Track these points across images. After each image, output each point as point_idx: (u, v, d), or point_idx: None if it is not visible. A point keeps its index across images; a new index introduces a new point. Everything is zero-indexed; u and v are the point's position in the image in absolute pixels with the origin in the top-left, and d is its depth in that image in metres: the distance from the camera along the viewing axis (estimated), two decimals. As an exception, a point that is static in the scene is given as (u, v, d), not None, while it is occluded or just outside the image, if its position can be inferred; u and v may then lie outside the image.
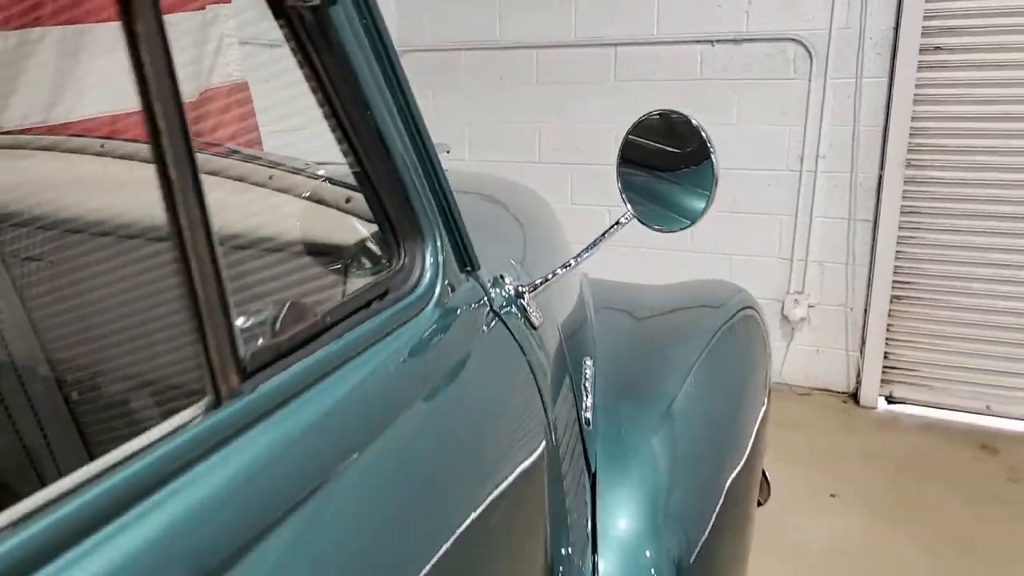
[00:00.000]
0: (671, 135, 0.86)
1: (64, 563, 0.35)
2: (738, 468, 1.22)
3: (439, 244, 0.63)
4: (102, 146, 0.91)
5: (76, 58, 1.66)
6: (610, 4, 3.30)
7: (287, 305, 0.49)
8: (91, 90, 1.70)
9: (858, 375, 3.22)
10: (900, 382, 3.17)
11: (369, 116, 0.57)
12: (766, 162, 3.21)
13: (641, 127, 0.89)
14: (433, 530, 0.58)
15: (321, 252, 0.71)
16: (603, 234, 0.88)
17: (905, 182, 2.99)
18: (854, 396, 3.24)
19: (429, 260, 0.62)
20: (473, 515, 0.63)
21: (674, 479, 1.07)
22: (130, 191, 0.84)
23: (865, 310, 3.16)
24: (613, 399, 1.10)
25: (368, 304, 0.56)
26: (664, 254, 3.31)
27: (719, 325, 1.46)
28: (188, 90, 1.95)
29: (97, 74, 1.69)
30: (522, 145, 3.56)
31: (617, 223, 0.87)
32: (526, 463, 0.70)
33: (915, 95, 2.90)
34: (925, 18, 2.83)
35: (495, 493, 0.66)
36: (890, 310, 3.12)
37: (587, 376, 0.99)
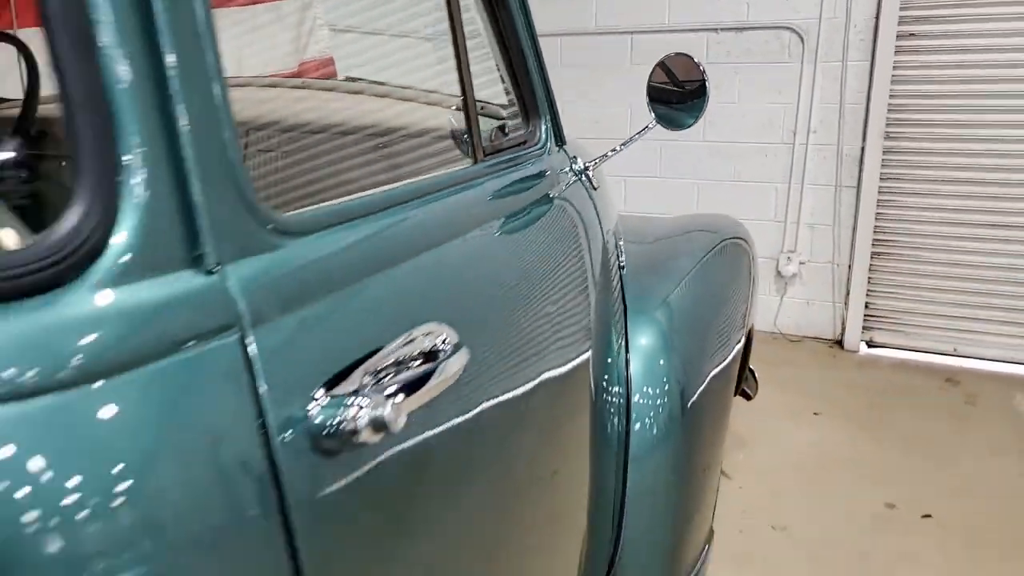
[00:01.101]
0: (682, 70, 1.30)
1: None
2: (725, 341, 1.65)
3: (548, 119, 1.07)
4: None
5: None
6: (627, -4, 3.74)
7: (494, 128, 0.93)
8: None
9: (843, 323, 3.66)
10: (879, 329, 3.61)
11: (519, 42, 1.00)
12: (763, 136, 3.65)
13: (666, 64, 1.33)
14: (543, 308, 1.00)
15: (497, 117, 1.13)
16: (639, 132, 1.32)
17: (884, 152, 3.42)
18: (839, 342, 3.68)
19: (544, 127, 1.06)
20: (571, 302, 1.07)
21: (678, 327, 1.51)
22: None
23: (849, 266, 3.60)
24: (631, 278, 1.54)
25: (524, 142, 0.99)
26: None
27: (709, 249, 1.89)
28: (290, 63, 2.40)
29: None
30: (547, 122, 4.00)
31: (647, 127, 1.31)
32: (597, 268, 1.14)
33: (893, 76, 3.34)
34: (901, 9, 3.26)
35: (583, 283, 1.09)
36: (871, 265, 3.55)
37: (620, 241, 1.42)
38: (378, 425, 0.47)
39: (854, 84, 3.43)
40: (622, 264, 1.37)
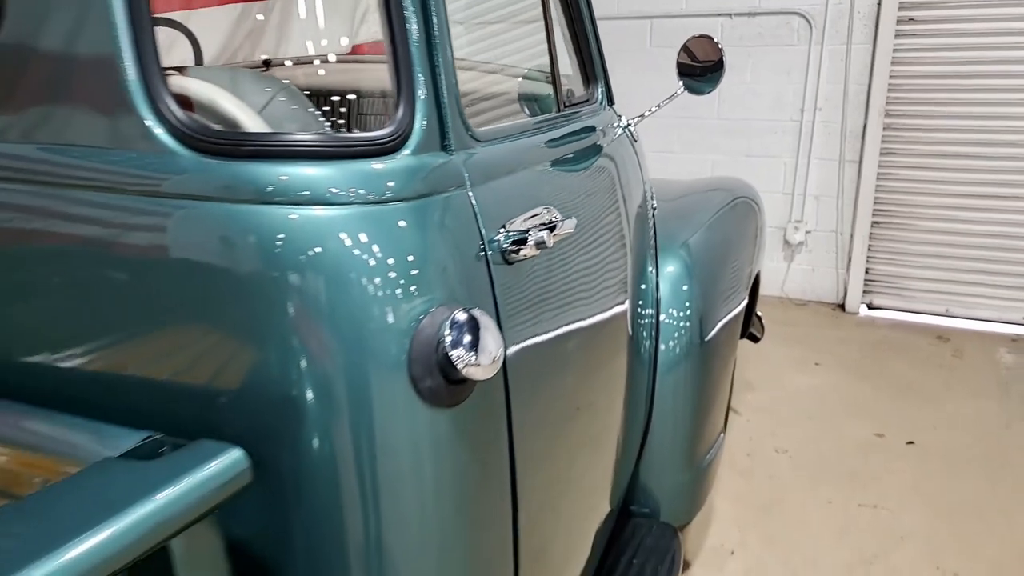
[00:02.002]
0: (703, 49, 1.62)
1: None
2: (736, 278, 1.98)
3: (603, 84, 1.39)
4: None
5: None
6: (648, -16, 4.03)
7: (568, 89, 1.26)
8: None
9: (845, 288, 3.97)
10: (878, 292, 3.92)
11: (583, 22, 1.32)
12: (774, 114, 3.95)
13: (688, 47, 1.64)
14: (611, 238, 1.33)
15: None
16: (668, 98, 1.64)
17: (884, 129, 3.72)
18: (841, 306, 4.00)
19: (600, 90, 1.39)
20: (620, 220, 1.39)
21: (698, 261, 1.82)
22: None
23: (851, 235, 3.91)
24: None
25: (586, 101, 1.32)
26: (688, 189, 4.06)
27: (723, 205, 2.21)
28: (344, 44, 2.71)
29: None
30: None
31: (675, 93, 1.63)
32: (637, 201, 1.46)
33: (893, 58, 3.63)
34: (901, -4, 3.55)
35: (628, 210, 1.42)
36: (871, 234, 3.86)
37: (651, 191, 1.74)
38: (539, 243, 0.80)
39: (857, 66, 3.73)
40: (654, 206, 1.69)
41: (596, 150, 1.28)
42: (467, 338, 0.68)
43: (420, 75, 0.72)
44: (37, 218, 0.74)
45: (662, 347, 1.69)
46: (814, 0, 3.75)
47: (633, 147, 1.50)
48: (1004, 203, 3.60)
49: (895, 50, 3.62)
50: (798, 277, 4.10)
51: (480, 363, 0.68)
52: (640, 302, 1.60)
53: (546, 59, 1.18)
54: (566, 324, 1.04)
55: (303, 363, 0.67)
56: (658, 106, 1.65)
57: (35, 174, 0.73)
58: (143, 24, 0.67)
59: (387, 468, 0.69)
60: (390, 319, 0.68)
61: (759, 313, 2.63)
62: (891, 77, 3.65)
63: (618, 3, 4.12)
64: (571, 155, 1.15)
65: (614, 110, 1.47)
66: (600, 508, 1.41)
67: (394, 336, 0.68)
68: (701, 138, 4.08)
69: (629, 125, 1.52)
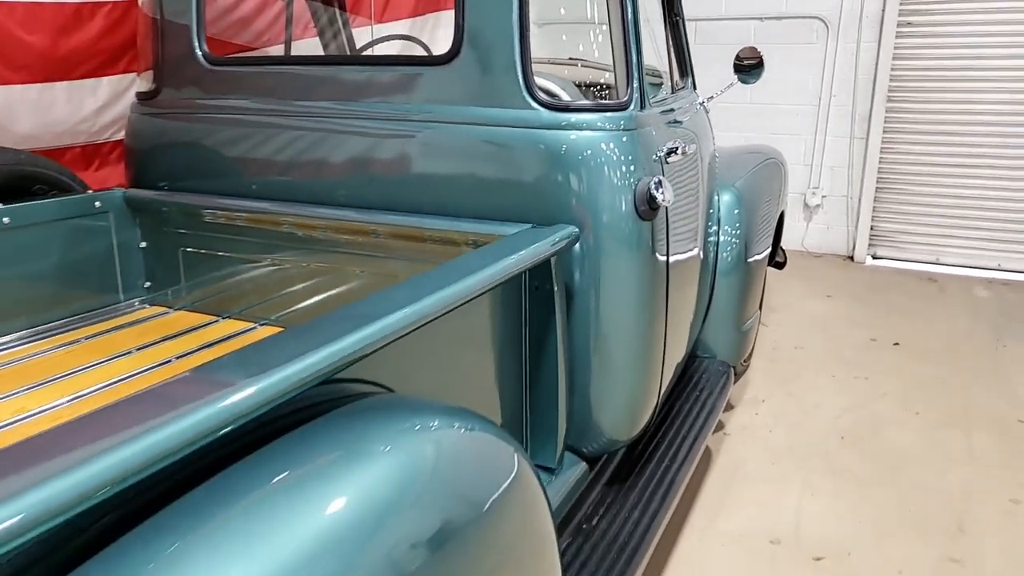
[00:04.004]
0: (750, 56, 2.51)
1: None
2: (767, 210, 2.87)
3: (692, 73, 2.30)
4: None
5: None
6: (693, -8, 4.91)
7: (670, 78, 2.16)
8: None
9: (854, 242, 4.85)
10: (881, 245, 4.80)
11: (680, 26, 2.22)
12: (796, 99, 4.82)
13: (740, 54, 2.54)
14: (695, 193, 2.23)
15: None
16: (727, 86, 2.53)
17: (886, 112, 4.58)
18: (851, 257, 4.88)
19: (691, 78, 2.29)
20: (707, 164, 2.29)
21: (743, 196, 2.72)
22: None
23: (859, 199, 4.78)
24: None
25: (684, 86, 2.23)
26: (725, 161, 4.95)
27: (760, 162, 3.11)
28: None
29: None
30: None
31: (731, 84, 2.53)
32: (711, 151, 2.36)
33: (894, 53, 4.49)
34: (900, 4, 4.41)
35: (707, 158, 2.32)
36: (875, 198, 4.73)
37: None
38: (681, 152, 1.72)
39: (865, 60, 4.59)
40: (717, 156, 2.60)
41: (693, 112, 2.19)
42: (659, 187, 1.59)
43: (636, 73, 1.63)
44: (452, 138, 1.66)
45: (722, 254, 2.59)
46: (831, 6, 4.62)
47: (707, 116, 2.40)
48: (984, 171, 4.46)
49: (895, 48, 4.48)
50: (815, 234, 4.98)
51: (665, 197, 1.59)
52: (709, 216, 2.51)
53: (664, 58, 2.10)
54: (687, 200, 1.95)
55: (588, 197, 1.58)
56: (721, 91, 2.55)
57: (464, 118, 1.65)
58: (525, 43, 1.58)
59: (622, 243, 1.60)
60: (625, 181, 1.59)
61: (783, 247, 3.53)
62: (892, 70, 4.52)
63: (669, 9, 5.00)
64: (683, 115, 2.06)
65: (696, 92, 2.38)
66: (686, 342, 2.32)
67: (627, 187, 1.59)
68: (737, 119, 4.97)
69: (704, 102, 2.43)
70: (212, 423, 0.72)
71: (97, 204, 1.95)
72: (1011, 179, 4.41)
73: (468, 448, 0.99)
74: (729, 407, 2.93)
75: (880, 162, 4.67)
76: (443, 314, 1.12)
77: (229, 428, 0.74)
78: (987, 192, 4.47)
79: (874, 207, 4.76)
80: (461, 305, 1.17)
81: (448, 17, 3.51)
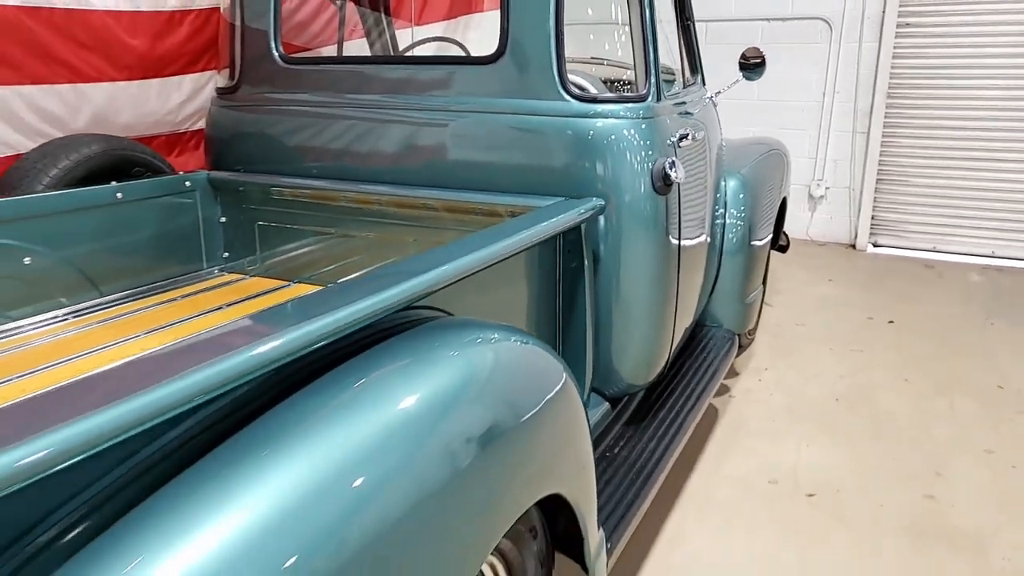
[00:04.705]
0: (754, 55, 2.79)
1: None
2: (770, 197, 3.16)
3: (702, 70, 2.58)
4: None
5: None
6: (704, -5, 5.19)
7: (683, 75, 2.45)
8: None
9: (855, 231, 5.11)
10: (882, 234, 5.06)
11: (692, 28, 2.51)
12: (801, 96, 5.10)
13: (745, 53, 2.82)
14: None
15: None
16: (733, 82, 2.81)
17: (886, 108, 4.85)
18: (853, 245, 5.15)
19: (701, 75, 2.57)
20: (716, 152, 2.58)
21: (748, 182, 3.01)
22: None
23: (861, 190, 5.05)
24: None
25: (694, 83, 2.51)
26: (734, 155, 5.23)
27: (764, 152, 3.39)
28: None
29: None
30: (642, 86, 5.51)
31: (737, 80, 2.80)
32: (718, 141, 2.65)
33: (893, 52, 4.76)
34: (900, 6, 4.68)
35: (716, 147, 2.61)
36: (876, 189, 5.00)
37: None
38: (692, 138, 2.01)
39: (866, 59, 4.86)
40: (724, 145, 2.89)
41: (703, 105, 2.48)
42: (672, 167, 1.88)
43: (653, 69, 1.92)
44: (495, 126, 1.95)
45: (728, 234, 2.88)
46: (834, 8, 4.89)
47: (715, 109, 2.69)
48: (979, 164, 4.72)
49: (895, 48, 4.75)
50: (819, 223, 5.25)
51: (677, 175, 1.88)
52: (716, 200, 2.80)
53: (677, 58, 2.39)
54: (696, 179, 2.24)
55: (612, 175, 1.87)
56: (727, 87, 2.84)
57: (506, 108, 1.95)
58: (560, 46, 1.87)
59: (641, 214, 1.89)
60: (644, 161, 1.88)
61: (786, 232, 3.81)
62: (892, 68, 4.78)
63: (680, 10, 5.29)
64: (693, 107, 2.35)
65: (705, 87, 2.67)
66: (695, 305, 2.61)
67: (646, 167, 1.88)
68: (747, 115, 5.24)
69: (712, 96, 2.72)
70: (328, 330, 0.98)
71: (187, 184, 2.26)
72: (1005, 171, 4.67)
73: (523, 358, 1.29)
74: (734, 374, 3.22)
75: (881, 155, 4.94)
76: (492, 264, 1.40)
77: (336, 338, 1.00)
78: (982, 184, 4.73)
79: (875, 198, 5.02)
80: (507, 259, 1.46)
81: (477, 20, 3.82)
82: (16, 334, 1.84)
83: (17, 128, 2.18)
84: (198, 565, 0.71)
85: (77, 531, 0.77)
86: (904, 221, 4.99)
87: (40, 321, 1.92)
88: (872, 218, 5.05)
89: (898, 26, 4.72)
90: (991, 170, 4.70)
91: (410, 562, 0.92)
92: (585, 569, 1.47)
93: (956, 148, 4.76)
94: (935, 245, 4.92)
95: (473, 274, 1.35)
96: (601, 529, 1.55)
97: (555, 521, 1.44)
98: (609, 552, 1.58)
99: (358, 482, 0.87)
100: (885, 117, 4.87)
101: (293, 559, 0.77)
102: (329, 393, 0.97)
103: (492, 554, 1.27)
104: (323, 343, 0.98)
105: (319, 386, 0.98)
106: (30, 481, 0.64)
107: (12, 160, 2.16)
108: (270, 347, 0.90)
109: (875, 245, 5.09)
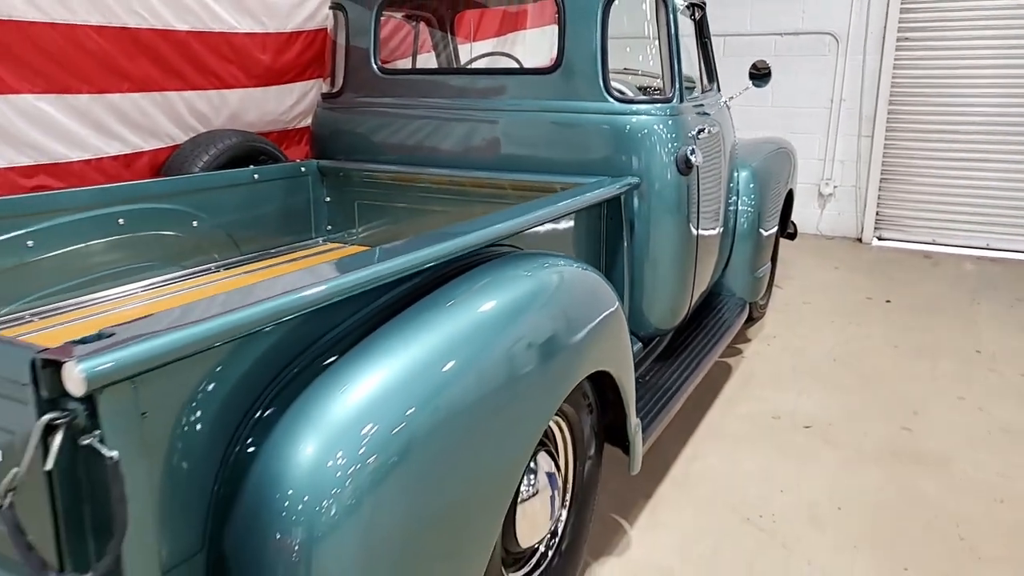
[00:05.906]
0: (762, 66, 3.30)
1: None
2: (777, 188, 3.67)
3: (718, 79, 3.10)
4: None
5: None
6: (722, 11, 5.71)
7: (701, 83, 2.97)
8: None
9: (861, 226, 5.59)
10: (886, 228, 5.54)
11: (709, 42, 3.02)
12: (811, 102, 5.60)
13: (755, 64, 3.33)
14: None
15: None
16: (744, 89, 3.32)
17: (889, 113, 5.34)
18: (859, 239, 5.63)
19: (716, 83, 3.09)
20: (729, 148, 3.10)
21: (757, 175, 3.53)
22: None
23: (866, 188, 5.53)
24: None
25: (711, 89, 3.03)
26: (749, 157, 5.73)
27: (773, 149, 3.90)
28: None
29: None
30: (665, 95, 6.04)
31: (747, 87, 3.32)
32: (732, 138, 3.16)
33: (894, 64, 5.25)
34: (900, 22, 5.17)
35: (730, 143, 3.12)
36: (880, 187, 5.48)
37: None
38: (709, 132, 2.53)
39: (870, 70, 5.35)
40: (736, 143, 3.41)
41: (718, 108, 3.00)
42: (693, 153, 2.40)
43: (678, 75, 2.44)
44: (552, 122, 2.49)
45: (739, 219, 3.40)
46: (841, 24, 5.40)
47: (728, 111, 3.22)
48: (975, 164, 5.19)
49: (896, 59, 5.24)
50: (828, 219, 5.74)
51: (697, 159, 2.40)
52: (730, 189, 3.32)
53: (697, 67, 2.92)
54: (711, 164, 2.76)
55: (645, 160, 2.39)
56: (739, 93, 3.36)
57: (561, 108, 2.48)
58: (605, 59, 2.40)
59: (667, 191, 2.41)
60: (670, 149, 2.40)
61: (793, 221, 4.32)
62: (893, 78, 5.28)
63: (701, 26, 5.82)
64: (710, 109, 2.88)
65: (719, 89, 3.19)
66: (711, 271, 3.12)
67: (671, 153, 2.40)
68: (761, 120, 5.75)
69: (726, 101, 3.24)
70: (453, 249, 1.51)
71: (302, 169, 2.83)
72: (999, 170, 5.13)
73: (580, 276, 1.81)
74: (746, 340, 3.73)
75: (884, 156, 5.42)
76: (553, 219, 1.92)
77: (455, 256, 1.52)
78: (978, 181, 5.20)
79: (879, 195, 5.50)
80: (562, 217, 1.98)
81: (522, 37, 4.38)
82: (187, 279, 2.40)
83: (177, 124, 2.77)
84: (392, 373, 1.23)
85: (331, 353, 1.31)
86: (906, 216, 5.47)
87: (201, 270, 2.48)
88: (876, 213, 5.53)
89: (898, 40, 5.21)
90: (984, 169, 5.17)
91: (504, 407, 1.42)
92: (626, 445, 1.99)
93: (952, 150, 5.23)
94: (934, 238, 5.39)
95: (539, 225, 1.88)
96: (638, 418, 2.07)
97: (604, 413, 1.96)
98: (644, 438, 2.09)
99: (472, 349, 1.38)
100: (887, 122, 5.36)
101: (444, 382, 1.28)
102: (451, 295, 1.48)
103: (558, 415, 1.79)
104: (452, 257, 1.51)
105: (444, 291, 1.50)
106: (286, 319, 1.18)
107: (172, 150, 2.74)
108: (422, 253, 1.43)
109: (879, 238, 5.57)
